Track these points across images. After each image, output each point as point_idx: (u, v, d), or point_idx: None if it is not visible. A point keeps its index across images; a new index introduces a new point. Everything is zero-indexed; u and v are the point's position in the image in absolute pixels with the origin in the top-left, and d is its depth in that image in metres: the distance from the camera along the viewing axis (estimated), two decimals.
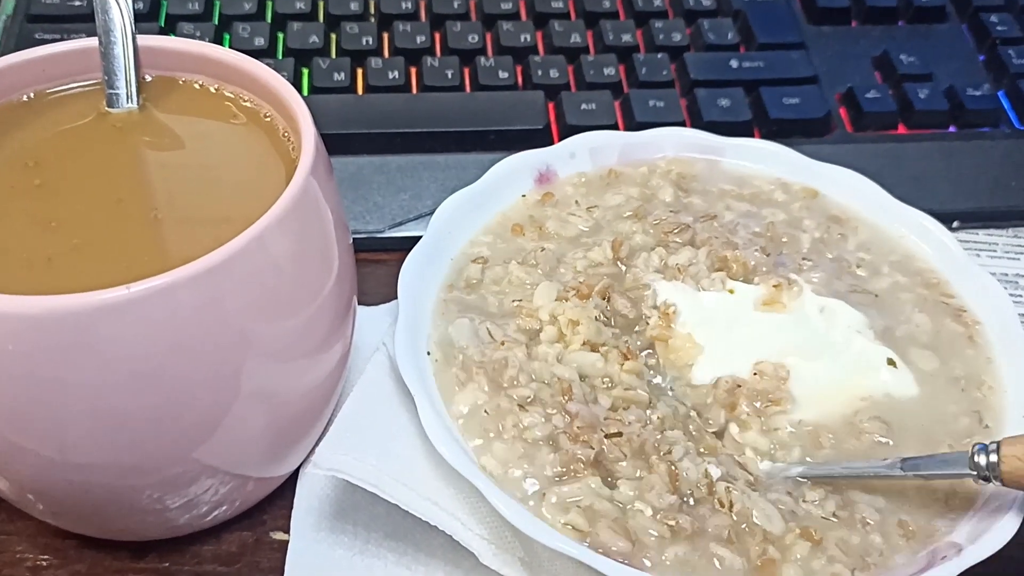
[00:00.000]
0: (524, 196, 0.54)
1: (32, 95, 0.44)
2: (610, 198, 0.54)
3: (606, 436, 0.42)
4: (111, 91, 0.43)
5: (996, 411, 0.45)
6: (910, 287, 0.50)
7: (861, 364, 0.46)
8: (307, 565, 0.43)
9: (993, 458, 0.37)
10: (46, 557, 0.44)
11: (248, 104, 0.44)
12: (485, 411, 0.43)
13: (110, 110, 0.43)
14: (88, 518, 0.42)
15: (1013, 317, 0.47)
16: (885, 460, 0.42)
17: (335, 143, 0.60)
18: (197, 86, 0.45)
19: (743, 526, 0.40)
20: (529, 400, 0.44)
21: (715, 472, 0.41)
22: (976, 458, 0.38)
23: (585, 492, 0.40)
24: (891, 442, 0.43)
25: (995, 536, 0.38)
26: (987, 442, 0.38)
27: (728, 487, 0.41)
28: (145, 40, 0.44)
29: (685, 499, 0.41)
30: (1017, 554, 0.38)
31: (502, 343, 0.46)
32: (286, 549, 0.44)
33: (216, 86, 0.45)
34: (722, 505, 0.41)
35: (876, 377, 0.46)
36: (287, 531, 0.44)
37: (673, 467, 0.41)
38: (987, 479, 0.38)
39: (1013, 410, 0.44)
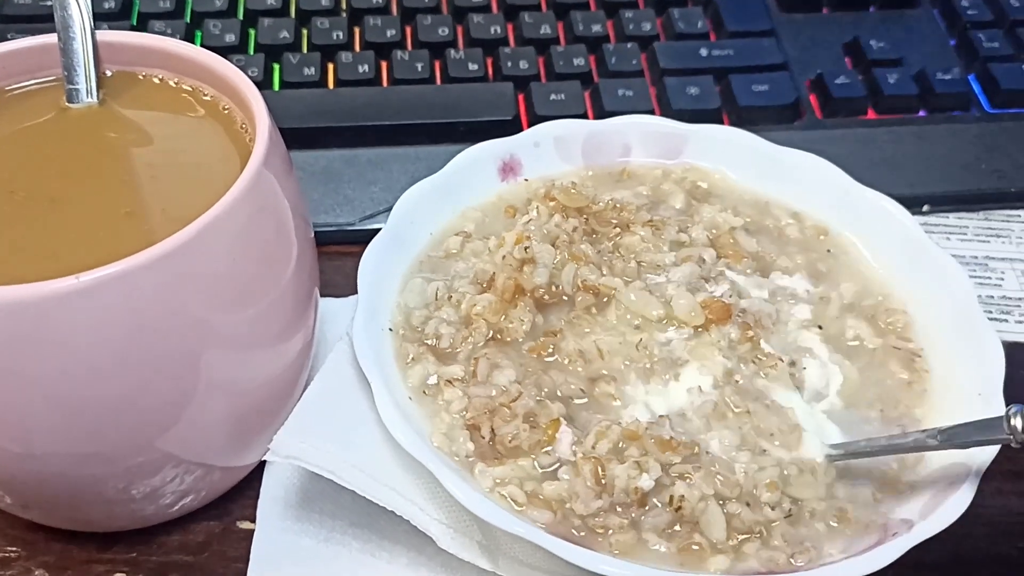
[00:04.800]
0: (527, 180, 0.54)
1: None
2: (619, 193, 0.54)
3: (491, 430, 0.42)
4: (71, 87, 0.44)
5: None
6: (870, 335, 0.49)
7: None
8: (273, 554, 0.44)
9: None
10: (14, 549, 0.44)
11: (207, 97, 0.44)
12: (424, 391, 0.44)
13: (70, 105, 0.44)
14: (55, 509, 0.43)
15: (971, 300, 0.47)
16: (921, 433, 0.40)
17: (306, 137, 0.61)
18: (157, 80, 0.45)
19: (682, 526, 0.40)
20: (458, 378, 0.44)
21: (647, 484, 0.40)
22: (1012, 421, 0.36)
23: (517, 473, 0.41)
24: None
25: (946, 512, 0.38)
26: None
27: (683, 496, 0.40)
28: (104, 35, 0.44)
29: (616, 503, 0.40)
30: (971, 530, 0.39)
31: (449, 297, 0.47)
32: (252, 538, 0.44)
33: (176, 80, 0.45)
34: (670, 504, 0.40)
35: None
36: (254, 520, 0.45)
37: (601, 470, 0.41)
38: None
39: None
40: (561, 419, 0.43)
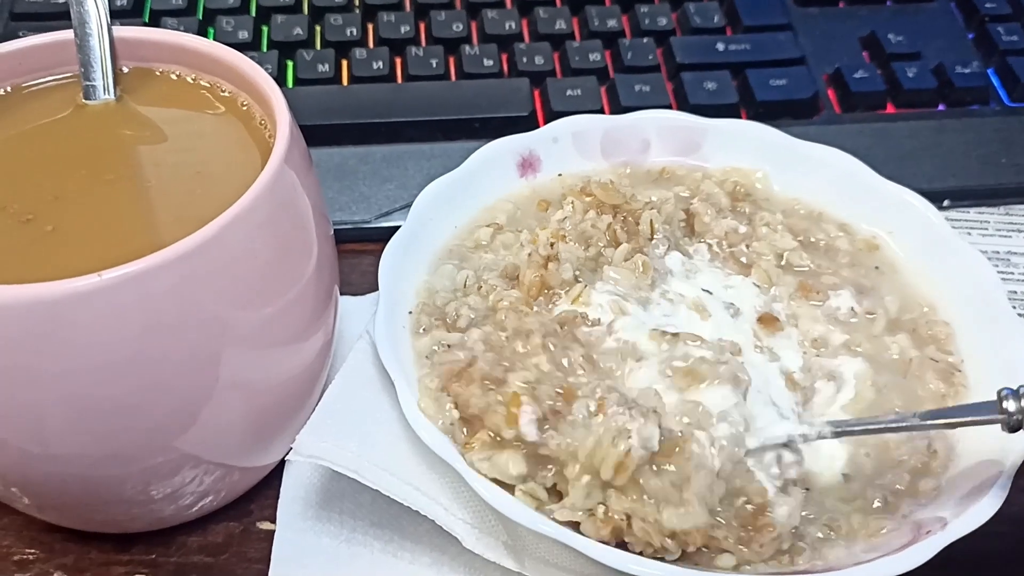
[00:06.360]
0: (560, 175, 0.54)
1: (9, 89, 0.44)
2: (656, 193, 0.53)
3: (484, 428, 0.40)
4: (88, 83, 0.43)
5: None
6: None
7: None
8: (293, 554, 0.43)
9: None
10: (32, 551, 0.44)
11: (225, 93, 0.44)
12: (426, 356, 0.44)
13: (87, 102, 0.43)
14: (73, 511, 0.42)
15: (999, 294, 0.47)
16: (913, 416, 0.40)
17: (320, 134, 0.60)
18: (174, 76, 0.45)
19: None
20: (468, 366, 0.42)
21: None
22: (1005, 403, 0.37)
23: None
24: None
25: (980, 510, 0.38)
26: (1015, 387, 0.37)
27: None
28: (121, 31, 0.44)
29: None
30: (997, 528, 0.38)
31: (479, 287, 0.46)
32: (272, 539, 0.44)
33: (193, 76, 0.44)
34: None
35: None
36: (274, 521, 0.44)
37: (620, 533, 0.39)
38: (1016, 426, 0.36)
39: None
40: (522, 395, 0.39)
